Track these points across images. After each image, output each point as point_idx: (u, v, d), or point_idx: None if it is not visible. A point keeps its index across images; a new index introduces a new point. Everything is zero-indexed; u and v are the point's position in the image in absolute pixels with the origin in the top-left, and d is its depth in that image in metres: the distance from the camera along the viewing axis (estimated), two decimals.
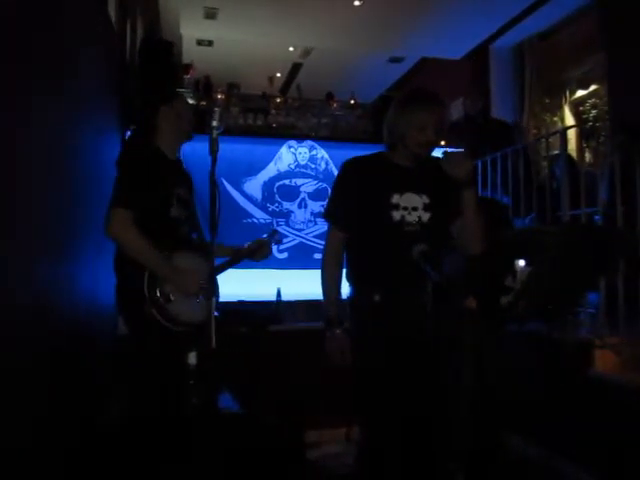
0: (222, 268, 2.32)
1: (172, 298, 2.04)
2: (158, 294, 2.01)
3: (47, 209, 1.96)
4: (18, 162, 1.63)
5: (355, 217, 2.05)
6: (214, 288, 2.04)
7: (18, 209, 1.63)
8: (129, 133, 3.64)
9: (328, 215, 2.15)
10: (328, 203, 2.16)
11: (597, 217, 3.58)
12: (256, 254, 2.46)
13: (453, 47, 6.29)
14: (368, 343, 2.03)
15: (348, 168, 2.11)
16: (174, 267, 2.07)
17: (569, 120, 5.78)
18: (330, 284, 2.09)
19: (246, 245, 2.45)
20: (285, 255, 4.34)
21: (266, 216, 4.38)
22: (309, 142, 4.53)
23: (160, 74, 3.76)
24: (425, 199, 2.04)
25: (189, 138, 2.30)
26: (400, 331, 1.97)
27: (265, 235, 2.57)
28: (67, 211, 2.25)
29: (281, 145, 4.47)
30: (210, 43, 6.93)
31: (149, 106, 2.27)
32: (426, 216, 2.03)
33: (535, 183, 4.23)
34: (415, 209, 2.02)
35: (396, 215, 2.01)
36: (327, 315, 2.07)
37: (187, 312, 2.05)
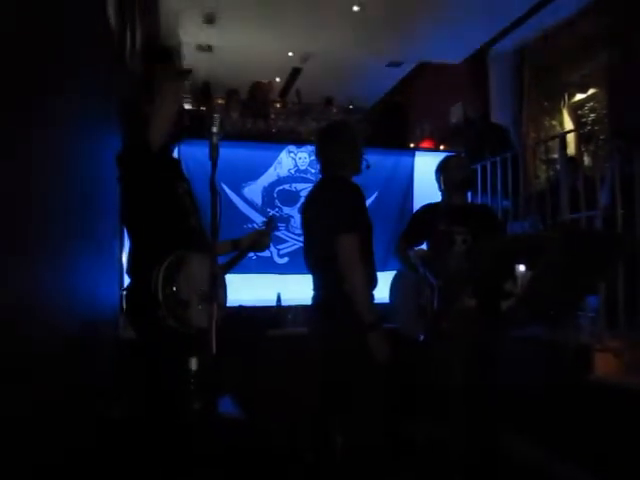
0: (229, 266, 2.34)
1: (186, 301, 1.95)
2: (173, 298, 1.92)
3: (46, 210, 1.96)
4: (18, 163, 1.64)
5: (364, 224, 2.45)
6: (221, 294, 2.07)
7: (17, 211, 1.63)
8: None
9: (350, 225, 2.34)
10: (347, 217, 2.36)
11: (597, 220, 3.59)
12: (256, 246, 2.48)
13: (452, 51, 6.30)
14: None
15: (357, 189, 2.46)
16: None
17: (568, 124, 5.78)
18: (367, 292, 2.38)
19: (244, 238, 2.49)
20: (285, 260, 4.35)
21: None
22: (309, 147, 4.52)
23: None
24: None
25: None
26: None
27: (262, 225, 2.61)
28: (67, 213, 2.25)
29: (281, 150, 4.48)
30: (210, 48, 6.93)
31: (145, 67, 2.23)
32: None
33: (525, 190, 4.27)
34: None
35: None
36: (370, 319, 2.30)
37: (199, 316, 1.96)
